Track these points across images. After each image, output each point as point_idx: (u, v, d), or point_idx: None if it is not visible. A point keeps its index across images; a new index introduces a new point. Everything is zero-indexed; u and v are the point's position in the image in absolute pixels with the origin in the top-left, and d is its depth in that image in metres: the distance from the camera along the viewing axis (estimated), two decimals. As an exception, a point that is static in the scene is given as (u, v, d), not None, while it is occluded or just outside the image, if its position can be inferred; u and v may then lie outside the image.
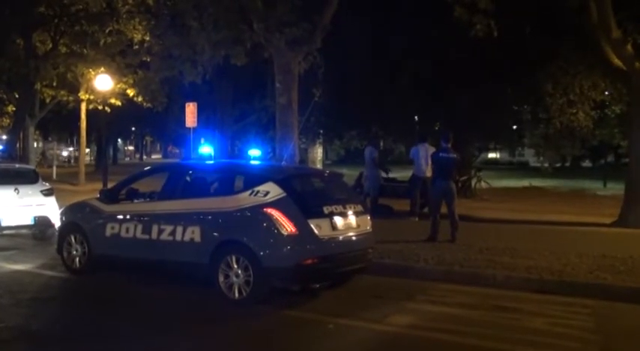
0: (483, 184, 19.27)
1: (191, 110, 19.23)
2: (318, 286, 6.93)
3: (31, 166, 12.41)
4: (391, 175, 15.29)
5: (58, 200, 10.91)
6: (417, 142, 14.08)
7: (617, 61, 12.56)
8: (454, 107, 17.72)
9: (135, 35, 21.62)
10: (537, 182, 25.45)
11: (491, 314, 6.32)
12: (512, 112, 20.19)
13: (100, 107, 21.39)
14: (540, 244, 9.74)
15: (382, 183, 14.33)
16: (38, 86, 22.82)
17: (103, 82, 19.45)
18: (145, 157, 67.99)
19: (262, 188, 6.77)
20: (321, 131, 22.26)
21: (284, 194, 6.68)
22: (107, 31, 22.07)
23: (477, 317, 6.22)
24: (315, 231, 6.59)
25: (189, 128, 19.71)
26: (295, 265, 6.45)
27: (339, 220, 6.86)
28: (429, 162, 12.52)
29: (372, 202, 13.36)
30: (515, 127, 22.11)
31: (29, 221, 10.35)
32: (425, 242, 9.86)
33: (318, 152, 26.56)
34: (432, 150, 12.34)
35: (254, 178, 7.07)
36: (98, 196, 8.25)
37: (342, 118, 19.91)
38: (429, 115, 19.73)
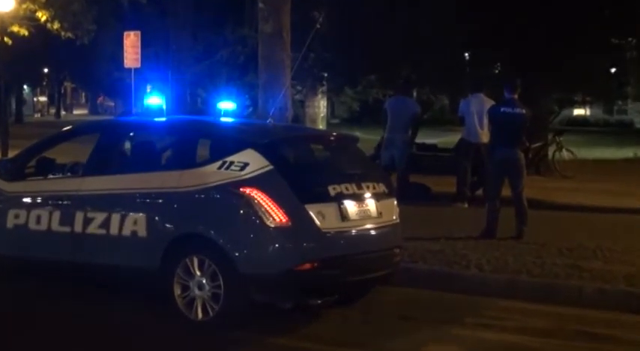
0: (565, 154, 19.24)
1: (132, 43, 19.15)
2: (320, 302, 6.96)
3: None
4: (426, 140, 15.27)
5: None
6: (468, 92, 14.02)
7: None
8: (523, 40, 17.61)
9: None
10: (646, 152, 25.41)
11: (574, 344, 6.36)
12: (610, 47, 20.07)
13: (-3, 38, 21.23)
14: (648, 243, 9.81)
15: (414, 151, 14.34)
16: None
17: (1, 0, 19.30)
18: (63, 112, 67.93)
19: (238, 158, 6.78)
20: (325, 75, 22.21)
21: (270, 167, 6.69)
22: None
23: (554, 348, 6.25)
24: (317, 221, 6.61)
25: (130, 70, 19.65)
26: (286, 272, 6.49)
27: (351, 206, 6.88)
28: (485, 121, 12.48)
29: (400, 180, 13.37)
30: (613, 70, 22.00)
31: None
32: (478, 239, 9.91)
33: (321, 106, 26.55)
34: (489, 104, 12.30)
35: (226, 144, 7.08)
36: (-5, 169, 8.27)
37: (356, 55, 19.82)
38: (485, 53, 19.63)
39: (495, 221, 10.15)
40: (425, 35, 18.23)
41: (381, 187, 7.30)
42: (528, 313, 7.24)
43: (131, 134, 8.13)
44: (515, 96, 10.31)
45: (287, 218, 6.52)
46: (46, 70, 57.23)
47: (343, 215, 6.80)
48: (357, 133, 13.19)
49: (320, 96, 25.13)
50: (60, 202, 7.52)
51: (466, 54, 21.03)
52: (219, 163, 6.84)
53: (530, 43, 17.53)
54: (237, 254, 6.54)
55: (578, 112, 50.26)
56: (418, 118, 13.85)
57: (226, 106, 8.46)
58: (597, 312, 7.25)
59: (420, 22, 18.12)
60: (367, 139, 15.99)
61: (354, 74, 21.94)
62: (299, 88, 24.65)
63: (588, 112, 53.15)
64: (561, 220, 11.91)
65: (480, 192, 13.24)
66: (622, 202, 13.81)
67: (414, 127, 13.80)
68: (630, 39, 20.18)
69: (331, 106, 42.03)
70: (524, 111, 10.25)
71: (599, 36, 18.88)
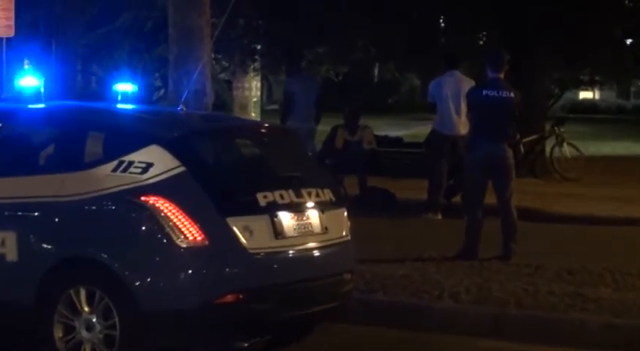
0: (568, 150, 19.47)
1: (3, 5, 18.88)
2: (247, 345, 6.92)
3: None
4: (390, 133, 15.38)
5: None
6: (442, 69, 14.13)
7: None
8: (513, 2, 17.77)
9: None
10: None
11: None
12: (624, 11, 20.34)
13: None
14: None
15: (373, 147, 14.41)
16: None
17: None
18: None
19: (139, 158, 6.77)
20: (259, 47, 22.15)
21: (181, 168, 6.68)
22: None
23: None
24: (242, 240, 6.63)
25: (0, 40, 19.35)
26: (203, 307, 6.48)
27: (287, 219, 6.90)
28: (463, 107, 12.58)
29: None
30: (629, 40, 22.30)
31: None
32: (454, 260, 9.98)
33: (254, 88, 26.53)
34: (469, 84, 12.39)
35: (123, 138, 7.08)
36: None
37: (299, 21, 19.81)
38: (465, 19, 19.77)
39: (476, 237, 10.22)
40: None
41: (327, 195, 7.32)
42: (518, 357, 7.32)
43: (-2, 126, 8.03)
44: (501, 74, 10.38)
45: (203, 236, 6.51)
46: None
47: (277, 231, 6.81)
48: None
49: (252, 75, 25.10)
50: None
51: (440, 20, 21.12)
52: (115, 163, 6.81)
53: (524, 5, 17.67)
54: (137, 284, 6.50)
55: (584, 95, 50.90)
56: (322, 99, 14.03)
57: (125, 88, 8.38)
58: (605, 353, 7.33)
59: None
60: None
61: (297, 46, 21.91)
62: (225, 64, 24.55)
63: (597, 96, 53.84)
64: (561, 235, 12.02)
65: (457, 199, 13.32)
66: (638, 211, 14.00)
67: (319, 110, 13.96)
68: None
69: (267, 87, 42.00)
70: (512, 94, 10.31)
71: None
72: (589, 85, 36.83)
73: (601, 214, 13.73)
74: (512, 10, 17.70)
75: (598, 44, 19.98)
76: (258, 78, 26.54)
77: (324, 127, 16.66)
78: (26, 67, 22.46)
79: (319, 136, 15.67)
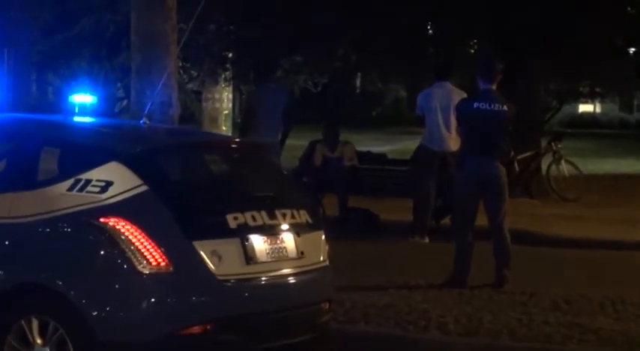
0: (565, 169, 19.54)
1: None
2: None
3: None
4: (373, 148, 15.37)
5: None
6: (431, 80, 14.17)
7: None
8: (509, 7, 17.84)
9: None
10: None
11: None
12: (626, 18, 20.45)
13: None
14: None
15: (354, 164, 14.42)
16: None
17: None
18: None
19: (98, 175, 6.75)
20: (230, 55, 22.15)
21: (143, 188, 6.67)
22: None
23: None
24: (210, 265, 6.61)
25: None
26: (167, 338, 6.46)
27: (259, 243, 6.89)
28: (453, 121, 12.60)
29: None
30: (632, 50, 22.42)
31: None
32: (442, 288, 10.00)
33: (225, 99, 26.52)
34: (460, 96, 12.42)
35: (80, 154, 7.06)
36: None
37: (274, 26, 19.84)
38: (455, 25, 19.84)
39: (467, 263, 10.25)
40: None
41: (303, 216, 7.31)
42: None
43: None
44: (493, 86, 10.42)
45: (167, 261, 6.49)
46: None
47: (248, 256, 6.80)
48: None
49: (223, 85, 25.10)
50: None
51: (428, 26, 21.18)
52: (71, 181, 6.78)
53: (519, 11, 17.73)
54: (95, 314, 6.47)
55: (584, 108, 51.11)
56: (290, 112, 14.07)
57: (83, 99, 8.36)
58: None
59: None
60: (291, 145, 16.02)
61: (271, 54, 21.94)
62: (193, 73, 24.54)
63: (598, 109, 54.08)
64: (558, 261, 12.09)
65: (446, 221, 13.34)
66: (641, 234, 14.08)
67: (288, 124, 14.00)
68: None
69: (239, 99, 41.95)
70: (505, 107, 10.35)
71: (613, 4, 19.21)
72: (589, 98, 36.97)
73: (601, 238, 13.78)
74: (506, 16, 17.75)
75: (598, 53, 20.04)
76: (230, 89, 26.53)
77: (300, 142, 16.72)
78: (-27, 77, 22.37)
79: (295, 152, 15.66)
